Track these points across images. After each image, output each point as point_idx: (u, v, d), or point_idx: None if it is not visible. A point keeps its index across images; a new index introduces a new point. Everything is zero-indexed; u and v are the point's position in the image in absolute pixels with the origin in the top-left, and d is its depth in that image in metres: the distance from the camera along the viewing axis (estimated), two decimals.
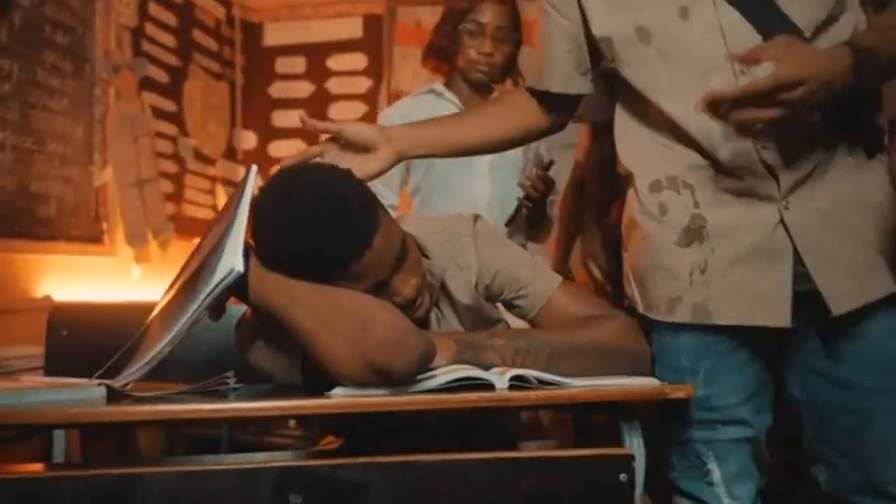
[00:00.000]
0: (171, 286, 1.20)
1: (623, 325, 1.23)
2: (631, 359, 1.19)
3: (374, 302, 1.07)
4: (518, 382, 1.08)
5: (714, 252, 1.20)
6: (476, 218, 1.32)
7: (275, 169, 1.16)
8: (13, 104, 2.74)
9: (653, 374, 1.21)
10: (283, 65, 4.39)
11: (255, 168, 1.14)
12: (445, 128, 1.37)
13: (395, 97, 3.83)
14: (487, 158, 2.03)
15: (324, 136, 1.29)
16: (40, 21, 2.89)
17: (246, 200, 1.08)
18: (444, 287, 1.26)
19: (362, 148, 1.26)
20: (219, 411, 1.03)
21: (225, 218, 1.12)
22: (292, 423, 3.15)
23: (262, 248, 1.09)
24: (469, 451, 1.02)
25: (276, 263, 1.08)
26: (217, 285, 1.02)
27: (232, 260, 1.03)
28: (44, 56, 2.90)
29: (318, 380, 1.09)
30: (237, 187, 1.13)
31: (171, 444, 2.89)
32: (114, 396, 1.04)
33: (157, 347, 1.03)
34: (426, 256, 1.25)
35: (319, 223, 1.05)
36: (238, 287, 1.07)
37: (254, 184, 1.11)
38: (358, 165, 1.22)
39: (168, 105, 3.75)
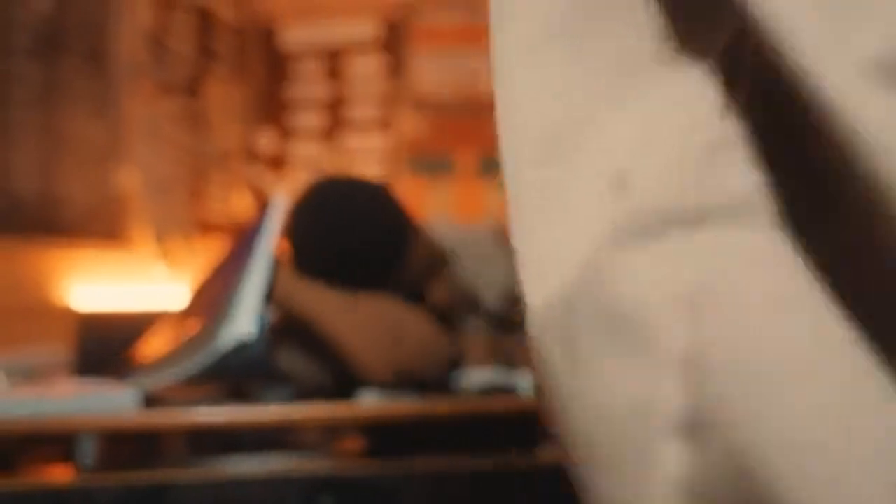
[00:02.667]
0: (183, 312, 1.12)
1: None
2: None
3: (406, 310, 1.09)
4: None
5: None
6: None
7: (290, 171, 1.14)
8: (35, 107, 2.76)
9: None
10: (300, 67, 4.40)
11: (280, 200, 1.05)
12: None
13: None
14: None
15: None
16: (61, 25, 2.92)
17: (267, 241, 0.96)
18: (475, 293, 1.27)
19: None
20: (267, 414, 1.03)
21: (235, 259, 1.02)
22: None
23: (299, 251, 1.09)
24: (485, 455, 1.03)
25: (311, 267, 1.08)
26: (217, 356, 0.87)
27: (243, 323, 0.87)
28: (65, 59, 2.93)
29: (346, 382, 1.10)
30: (252, 223, 1.03)
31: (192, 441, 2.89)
32: (149, 402, 1.03)
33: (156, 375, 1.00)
34: (457, 264, 1.27)
35: (361, 227, 1.07)
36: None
37: (277, 219, 1.01)
38: None
39: (188, 107, 3.77)
